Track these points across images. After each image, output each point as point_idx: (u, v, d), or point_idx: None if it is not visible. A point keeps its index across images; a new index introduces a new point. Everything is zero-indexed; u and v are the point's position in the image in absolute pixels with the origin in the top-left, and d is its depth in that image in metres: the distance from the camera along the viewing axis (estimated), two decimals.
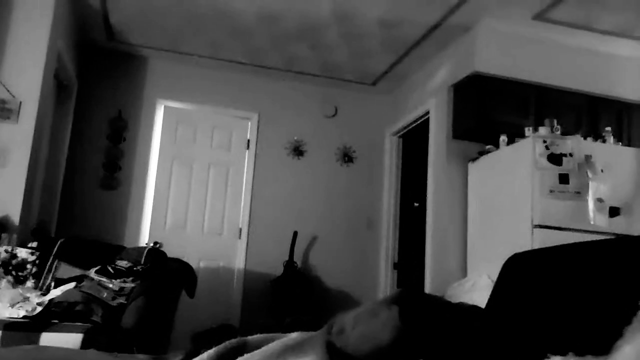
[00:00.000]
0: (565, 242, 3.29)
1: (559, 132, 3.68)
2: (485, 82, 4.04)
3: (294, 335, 1.29)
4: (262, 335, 1.32)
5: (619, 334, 0.71)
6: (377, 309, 1.06)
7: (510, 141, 3.82)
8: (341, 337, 1.17)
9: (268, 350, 1.00)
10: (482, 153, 4.07)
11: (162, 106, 4.95)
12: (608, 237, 3.46)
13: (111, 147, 4.76)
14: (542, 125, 3.72)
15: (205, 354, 1.08)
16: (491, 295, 1.32)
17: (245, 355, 1.07)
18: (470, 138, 4.21)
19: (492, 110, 4.02)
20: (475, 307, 1.30)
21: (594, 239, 3.35)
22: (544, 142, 3.57)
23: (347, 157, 5.34)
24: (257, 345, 1.24)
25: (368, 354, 1.07)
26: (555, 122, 3.72)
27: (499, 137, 3.89)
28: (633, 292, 0.84)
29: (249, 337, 1.27)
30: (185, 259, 4.45)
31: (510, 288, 1.29)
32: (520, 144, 3.70)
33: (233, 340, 1.21)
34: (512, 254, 3.40)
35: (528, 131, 3.70)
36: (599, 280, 1.01)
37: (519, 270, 1.32)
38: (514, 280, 1.31)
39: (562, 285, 1.14)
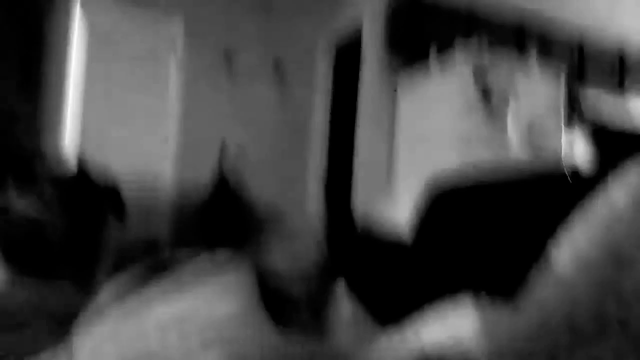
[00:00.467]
0: (485, 159, 3.39)
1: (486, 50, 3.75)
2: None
3: (221, 252, 1.30)
4: (187, 252, 1.33)
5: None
6: (304, 234, 1.09)
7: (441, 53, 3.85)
8: (268, 258, 1.19)
9: (196, 265, 1.01)
10: (414, 63, 4.06)
11: (80, 9, 4.56)
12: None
13: (32, 48, 4.39)
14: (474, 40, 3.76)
15: (131, 274, 1.07)
16: (415, 231, 1.36)
17: (174, 270, 1.07)
18: (402, 51, 4.18)
19: (426, 21, 4.01)
20: (402, 244, 1.35)
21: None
22: (473, 57, 3.61)
23: (279, 67, 5.18)
24: (184, 260, 1.25)
25: (293, 273, 1.10)
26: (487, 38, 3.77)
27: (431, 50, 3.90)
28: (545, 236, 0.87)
29: (175, 254, 1.27)
30: (112, 168, 4.31)
31: (433, 227, 1.34)
32: (451, 58, 3.71)
33: (159, 258, 1.21)
34: (436, 170, 3.48)
35: (460, 45, 3.71)
36: (518, 225, 1.06)
37: (443, 209, 1.37)
38: (437, 218, 1.36)
39: (482, 228, 1.19)
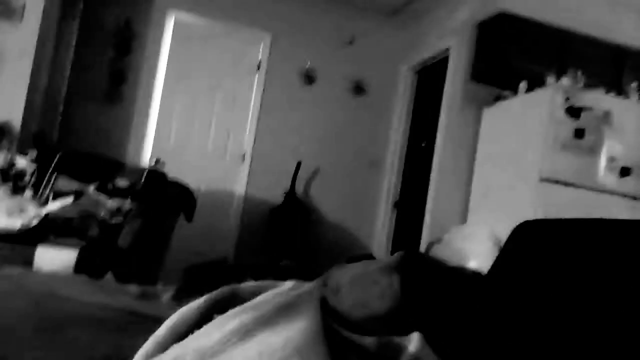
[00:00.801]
0: (570, 200, 3.21)
1: (581, 85, 3.53)
2: (510, 22, 3.83)
3: (287, 287, 1.24)
4: (254, 284, 1.28)
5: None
6: (376, 276, 1.00)
7: (530, 89, 3.66)
8: (336, 297, 1.12)
9: (260, 310, 0.95)
10: (499, 98, 3.92)
11: (173, 17, 4.74)
12: (615, 197, 3.41)
13: (117, 58, 4.60)
14: (565, 74, 3.56)
15: (196, 303, 1.03)
16: (496, 262, 1.26)
17: (237, 309, 1.02)
18: (489, 82, 4.05)
19: (514, 54, 3.83)
20: (477, 275, 1.25)
21: (601, 198, 3.27)
22: (565, 93, 3.42)
23: (358, 89, 5.18)
24: (250, 294, 1.20)
25: (362, 320, 1.02)
26: (579, 73, 3.56)
27: (519, 83, 3.73)
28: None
29: (242, 285, 1.23)
30: (186, 180, 4.45)
31: (518, 259, 1.23)
32: (540, 92, 3.55)
33: (225, 288, 1.16)
34: (515, 207, 3.34)
35: (550, 80, 3.54)
36: (613, 271, 0.94)
37: (530, 242, 1.26)
38: (522, 251, 1.25)
39: (573, 266, 1.08)
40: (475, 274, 1.22)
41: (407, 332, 1.02)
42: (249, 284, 1.27)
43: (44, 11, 3.58)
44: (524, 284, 1.14)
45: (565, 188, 3.40)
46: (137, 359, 0.92)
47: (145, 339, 1.03)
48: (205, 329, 0.92)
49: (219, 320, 0.97)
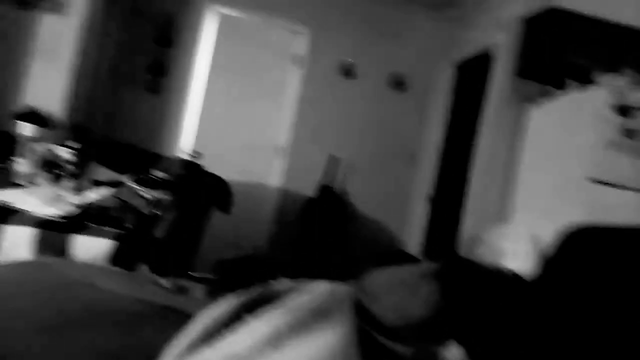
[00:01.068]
0: (619, 202, 3.07)
1: (634, 83, 3.35)
2: (562, 18, 3.67)
3: (321, 288, 1.20)
4: (287, 283, 1.24)
5: None
6: (415, 282, 0.95)
7: (580, 87, 3.51)
8: (372, 302, 1.07)
9: (294, 314, 0.91)
10: (546, 96, 3.78)
11: (215, 12, 4.76)
12: None
13: (159, 50, 4.64)
14: (617, 72, 3.39)
15: (227, 302, 1.00)
16: (544, 270, 1.18)
17: (269, 310, 0.98)
18: (536, 78, 3.90)
19: (564, 50, 3.68)
20: (523, 283, 1.18)
21: None
22: (616, 91, 3.26)
23: (398, 84, 5.10)
24: (283, 295, 1.16)
25: (399, 326, 0.97)
26: (631, 71, 3.38)
27: (567, 81, 3.58)
28: None
29: (275, 285, 1.19)
30: (222, 172, 4.47)
31: (568, 269, 1.15)
32: (589, 90, 3.40)
33: (258, 288, 1.13)
34: (559, 208, 3.20)
35: (600, 77, 3.38)
36: None
37: (581, 250, 1.17)
38: (573, 259, 1.16)
39: (629, 278, 1.00)
40: (520, 282, 1.15)
41: (445, 341, 0.96)
42: (283, 284, 1.23)
43: (88, 4, 3.63)
44: (575, 297, 1.06)
45: (614, 190, 3.25)
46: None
47: (177, 336, 1.00)
48: (237, 331, 0.88)
49: (250, 322, 0.93)
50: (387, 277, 1.12)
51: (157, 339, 0.98)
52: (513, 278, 1.19)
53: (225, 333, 0.91)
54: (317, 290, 1.20)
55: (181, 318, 1.12)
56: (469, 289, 0.94)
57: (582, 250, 1.22)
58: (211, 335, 0.93)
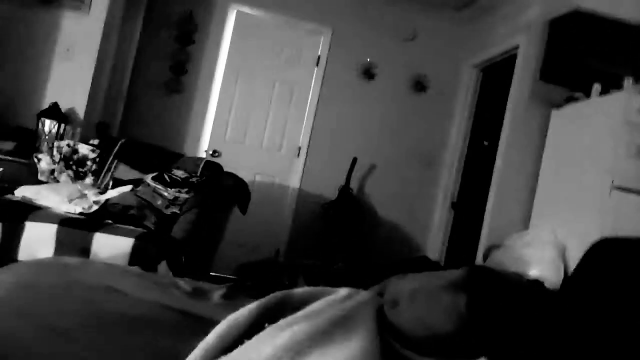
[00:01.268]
0: None
1: None
2: (586, 20, 3.61)
3: (342, 295, 1.18)
4: (307, 289, 1.23)
5: None
6: (439, 293, 0.93)
7: (605, 92, 3.44)
8: (394, 311, 1.05)
9: (314, 322, 0.90)
10: (570, 100, 3.71)
11: (235, 10, 4.76)
12: None
13: (179, 49, 4.66)
14: None
15: (247, 309, 0.99)
16: (571, 283, 1.16)
17: (289, 318, 0.97)
18: (559, 82, 3.84)
19: (589, 53, 3.62)
20: (551, 295, 1.15)
21: None
22: None
23: (419, 85, 5.05)
24: (303, 302, 1.15)
25: (422, 339, 0.95)
26: None
27: (592, 85, 3.52)
28: None
29: (295, 291, 1.17)
30: (241, 172, 4.46)
31: (596, 282, 1.12)
32: (615, 95, 3.33)
33: (277, 294, 1.12)
34: (583, 215, 3.13)
35: (627, 82, 3.31)
36: None
37: (609, 262, 1.14)
38: (601, 272, 1.14)
39: None
40: (547, 295, 1.12)
41: (471, 356, 0.94)
42: (302, 290, 1.21)
43: (110, 3, 3.67)
44: (603, 311, 1.04)
45: (639, 197, 3.18)
46: None
47: (196, 343, 1.00)
48: (256, 340, 0.87)
49: (270, 330, 0.92)
50: (409, 286, 1.10)
51: (174, 346, 0.97)
52: (539, 290, 1.17)
53: (245, 341, 0.90)
54: (337, 295, 1.19)
55: (199, 325, 1.11)
56: (497, 302, 0.92)
57: (608, 263, 1.19)
58: (231, 343, 0.92)
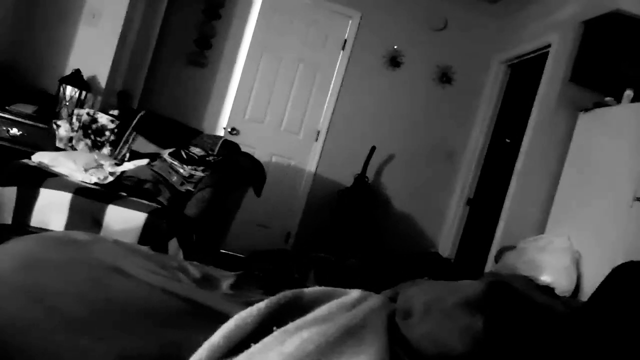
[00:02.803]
0: None
1: None
2: (623, 22, 3.49)
3: (353, 297, 1.15)
4: (318, 289, 1.20)
5: None
6: (455, 310, 0.89)
7: (637, 99, 3.34)
8: (406, 323, 1.02)
9: (324, 330, 0.87)
10: (599, 105, 3.61)
11: None
12: None
13: (205, 22, 4.61)
14: None
15: (255, 308, 0.96)
16: (593, 305, 1.11)
17: (298, 322, 0.94)
18: (590, 85, 3.74)
19: (624, 58, 3.51)
20: (571, 315, 1.11)
21: None
22: None
23: (445, 77, 4.96)
24: (313, 303, 1.12)
25: (434, 356, 0.92)
26: None
27: (624, 91, 3.41)
28: None
29: (305, 291, 1.15)
30: (258, 152, 4.45)
31: (618, 306, 1.08)
32: None
33: (287, 294, 1.09)
34: (602, 226, 3.05)
35: None
36: None
37: (633, 286, 1.10)
38: (624, 296, 1.09)
39: None
40: (568, 314, 1.08)
41: None
42: (312, 290, 1.18)
43: None
44: (624, 338, 0.99)
45: None
46: None
47: (200, 335, 0.97)
48: (263, 345, 0.84)
49: (278, 335, 0.89)
50: (423, 297, 1.07)
51: (177, 337, 0.95)
52: (561, 310, 1.13)
53: (251, 344, 0.87)
54: (348, 298, 1.16)
55: (205, 316, 1.09)
56: (516, 326, 0.88)
57: (631, 288, 1.15)
58: (236, 343, 0.89)
